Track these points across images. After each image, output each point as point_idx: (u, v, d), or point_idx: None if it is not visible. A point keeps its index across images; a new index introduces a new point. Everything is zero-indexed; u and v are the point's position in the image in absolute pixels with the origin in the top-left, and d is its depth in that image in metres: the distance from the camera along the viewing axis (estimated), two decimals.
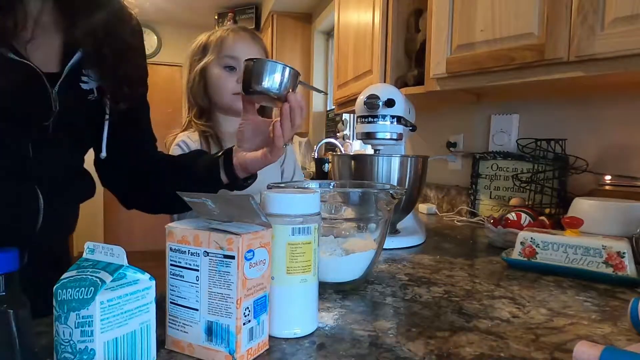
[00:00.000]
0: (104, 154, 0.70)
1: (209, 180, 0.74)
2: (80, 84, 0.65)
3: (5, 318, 0.35)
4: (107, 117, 0.69)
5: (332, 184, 0.80)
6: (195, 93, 1.16)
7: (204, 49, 1.15)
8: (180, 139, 1.13)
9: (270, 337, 0.46)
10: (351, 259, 0.64)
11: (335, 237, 0.66)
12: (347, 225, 0.68)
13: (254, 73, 0.63)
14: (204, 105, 1.16)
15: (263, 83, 0.63)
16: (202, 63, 1.14)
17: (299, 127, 0.69)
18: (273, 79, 0.63)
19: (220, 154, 0.75)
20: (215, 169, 0.73)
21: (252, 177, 0.76)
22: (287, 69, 0.64)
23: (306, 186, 0.72)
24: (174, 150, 1.11)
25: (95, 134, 0.69)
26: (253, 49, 1.12)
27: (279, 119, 0.66)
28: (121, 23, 0.68)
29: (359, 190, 0.71)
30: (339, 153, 2.39)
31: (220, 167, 0.73)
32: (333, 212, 0.69)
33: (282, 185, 0.71)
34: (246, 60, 0.65)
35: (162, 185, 0.77)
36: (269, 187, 0.62)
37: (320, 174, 2.42)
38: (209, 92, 1.14)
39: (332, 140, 2.59)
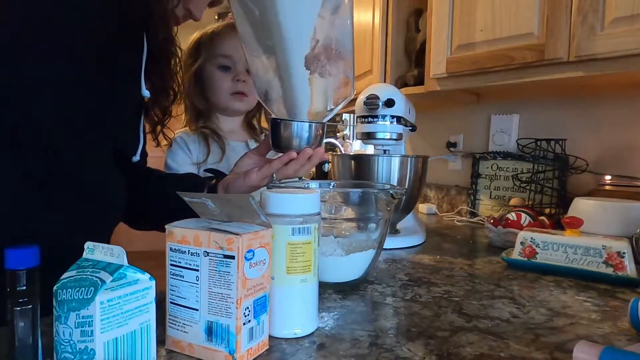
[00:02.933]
0: (137, 157, 0.73)
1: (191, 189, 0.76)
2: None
3: (25, 312, 0.37)
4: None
5: (332, 184, 0.80)
6: (191, 95, 1.13)
7: (197, 49, 1.12)
8: (178, 135, 1.11)
9: (270, 337, 0.46)
10: (351, 259, 0.64)
11: (335, 237, 0.66)
12: (347, 225, 0.68)
13: (283, 132, 0.69)
14: (201, 107, 1.13)
15: (289, 144, 0.69)
16: (196, 64, 1.11)
17: (297, 175, 0.74)
18: (299, 140, 0.69)
19: (211, 175, 0.79)
20: (200, 187, 0.76)
21: None
22: (312, 126, 0.69)
23: (306, 186, 0.72)
24: (173, 147, 1.10)
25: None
26: None
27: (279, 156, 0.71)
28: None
29: (359, 190, 0.71)
30: (339, 153, 2.39)
31: (205, 184, 0.77)
32: (333, 212, 0.69)
33: (282, 185, 0.71)
34: (272, 118, 0.69)
35: (145, 195, 0.78)
36: (269, 187, 0.62)
37: (320, 174, 2.42)
38: (205, 93, 1.12)
39: (332, 140, 2.59)
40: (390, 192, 0.65)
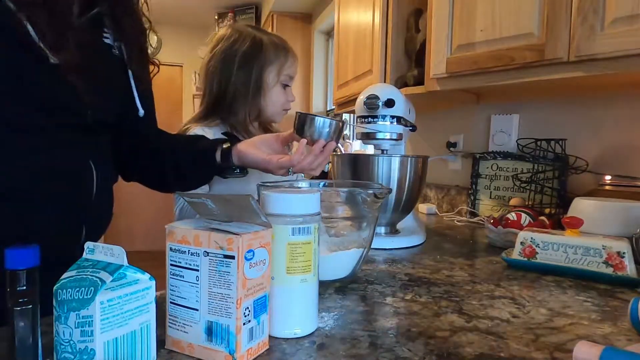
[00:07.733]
0: (141, 111, 0.74)
1: (203, 156, 0.80)
2: (103, 38, 0.69)
3: (25, 312, 0.37)
4: (130, 73, 0.72)
5: (321, 183, 0.79)
6: (218, 77, 1.09)
7: (254, 45, 1.08)
8: (194, 130, 1.06)
9: (270, 337, 0.46)
10: (335, 258, 0.64)
11: (330, 236, 0.66)
12: (343, 225, 0.68)
13: (308, 125, 0.79)
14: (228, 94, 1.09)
15: (312, 134, 0.79)
16: (253, 69, 1.07)
17: (313, 171, 0.81)
18: (320, 133, 0.79)
19: (222, 140, 0.81)
20: (212, 151, 0.79)
21: (242, 171, 0.83)
22: (333, 123, 0.80)
23: (297, 186, 0.73)
24: None
25: (124, 95, 0.73)
26: None
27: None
28: None
29: (345, 189, 0.71)
30: (339, 153, 2.39)
31: (218, 148, 0.79)
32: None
33: (281, 185, 0.71)
34: (300, 113, 0.79)
35: (159, 159, 0.81)
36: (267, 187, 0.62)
37: (320, 174, 2.43)
38: (256, 98, 1.10)
39: None
40: (373, 192, 0.64)
